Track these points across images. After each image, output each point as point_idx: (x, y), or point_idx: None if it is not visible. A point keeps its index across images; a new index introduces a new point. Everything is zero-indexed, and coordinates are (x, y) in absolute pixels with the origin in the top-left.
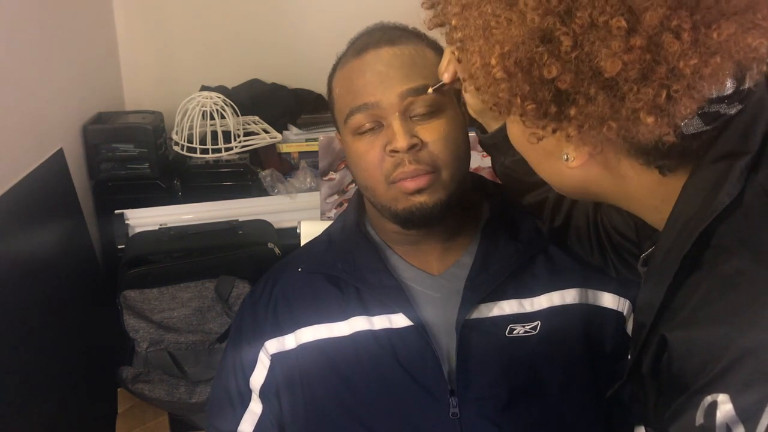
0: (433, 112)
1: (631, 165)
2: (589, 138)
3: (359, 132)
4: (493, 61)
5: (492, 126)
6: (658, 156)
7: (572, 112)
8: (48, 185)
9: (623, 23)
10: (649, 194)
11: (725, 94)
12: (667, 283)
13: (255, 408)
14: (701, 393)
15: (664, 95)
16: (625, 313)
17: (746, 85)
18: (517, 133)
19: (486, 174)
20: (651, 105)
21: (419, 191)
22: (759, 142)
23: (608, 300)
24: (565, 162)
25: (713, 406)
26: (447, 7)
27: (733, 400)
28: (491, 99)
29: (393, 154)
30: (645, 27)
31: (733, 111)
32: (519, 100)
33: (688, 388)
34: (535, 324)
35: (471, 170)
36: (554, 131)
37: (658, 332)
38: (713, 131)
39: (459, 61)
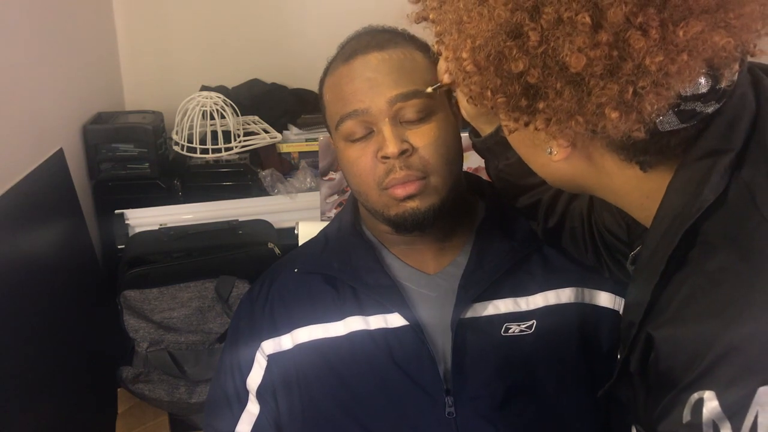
0: (423, 117)
1: (612, 160)
2: (558, 131)
3: (351, 139)
4: (465, 55)
5: (485, 130)
6: (637, 152)
7: (541, 105)
8: (48, 185)
9: (587, 19)
10: (634, 190)
11: (700, 92)
12: (654, 282)
13: (252, 408)
14: (687, 390)
15: (630, 91)
16: (621, 312)
17: (722, 84)
18: None
19: (486, 175)
20: (617, 101)
21: (410, 197)
22: (742, 139)
23: (604, 299)
24: (549, 155)
25: (699, 403)
26: (427, 2)
27: (719, 397)
28: (466, 91)
29: (384, 160)
30: (610, 23)
31: (710, 109)
32: (490, 93)
33: (675, 386)
34: (530, 323)
35: (472, 170)
36: (526, 124)
37: (645, 331)
38: (692, 129)
39: (439, 54)
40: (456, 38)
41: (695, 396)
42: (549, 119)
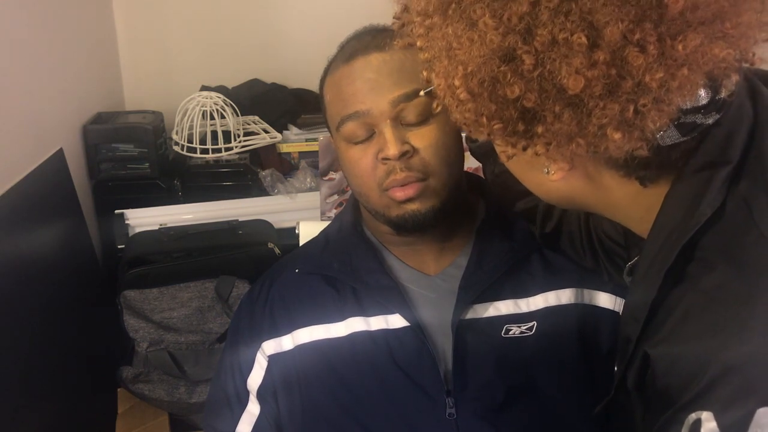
0: (424, 119)
1: (611, 176)
2: (559, 154)
3: (352, 141)
4: (457, 82)
5: None
6: (638, 167)
7: (540, 129)
8: (48, 185)
9: (584, 39)
10: (633, 204)
11: (700, 104)
12: (652, 297)
13: (252, 409)
14: (685, 410)
15: (631, 110)
16: (621, 313)
17: (722, 95)
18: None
19: None
20: (618, 120)
21: (410, 200)
22: (739, 151)
23: (604, 300)
24: (546, 175)
25: (697, 423)
26: (413, 29)
27: (717, 418)
28: (460, 119)
29: (385, 162)
30: (607, 42)
31: (710, 121)
32: (485, 120)
33: (673, 404)
34: (531, 324)
35: (473, 170)
36: (525, 149)
37: (642, 348)
38: (691, 141)
39: (428, 81)
40: (447, 65)
41: (693, 416)
42: (549, 143)
